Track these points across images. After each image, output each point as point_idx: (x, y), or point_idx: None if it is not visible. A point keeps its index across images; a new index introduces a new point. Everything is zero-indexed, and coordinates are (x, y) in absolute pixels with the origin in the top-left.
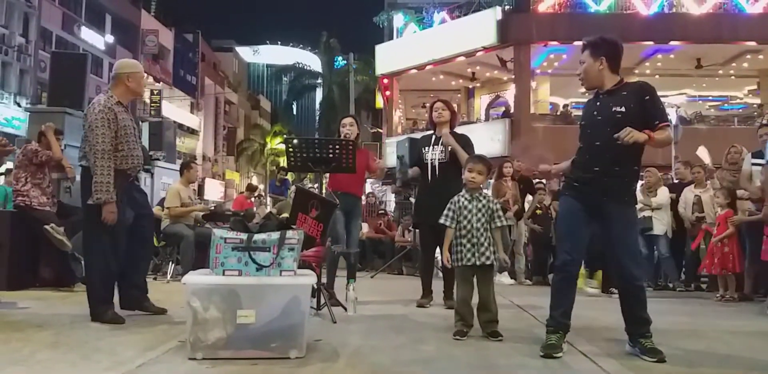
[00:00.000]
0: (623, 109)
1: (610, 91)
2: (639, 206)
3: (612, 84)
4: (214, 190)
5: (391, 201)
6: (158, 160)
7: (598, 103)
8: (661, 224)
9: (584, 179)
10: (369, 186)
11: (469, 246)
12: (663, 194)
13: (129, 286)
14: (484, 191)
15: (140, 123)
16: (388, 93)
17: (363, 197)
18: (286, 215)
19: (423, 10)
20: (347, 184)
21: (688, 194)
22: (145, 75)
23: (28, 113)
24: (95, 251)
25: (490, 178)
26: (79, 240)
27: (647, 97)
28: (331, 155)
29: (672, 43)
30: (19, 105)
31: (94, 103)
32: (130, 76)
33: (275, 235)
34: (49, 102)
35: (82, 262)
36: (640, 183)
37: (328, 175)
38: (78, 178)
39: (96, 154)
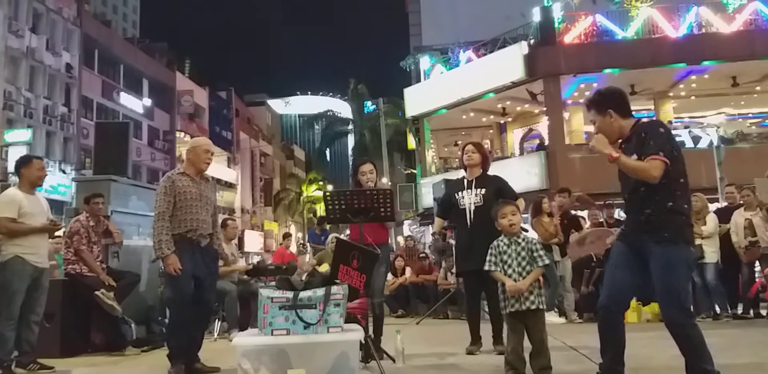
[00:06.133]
0: (635, 157)
1: (626, 139)
2: None
3: (629, 129)
4: (253, 242)
5: (429, 243)
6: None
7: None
8: (712, 252)
9: (626, 224)
10: (407, 228)
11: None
12: (712, 221)
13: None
14: (524, 233)
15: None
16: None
17: (401, 240)
18: (326, 265)
19: (449, 50)
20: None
21: (738, 218)
22: (208, 150)
23: (75, 182)
24: (171, 314)
25: (525, 213)
26: (128, 304)
27: (643, 134)
28: (369, 205)
29: (705, 63)
30: (64, 172)
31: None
32: (190, 150)
33: (320, 291)
34: (95, 171)
35: (133, 326)
36: None
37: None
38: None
39: (155, 216)
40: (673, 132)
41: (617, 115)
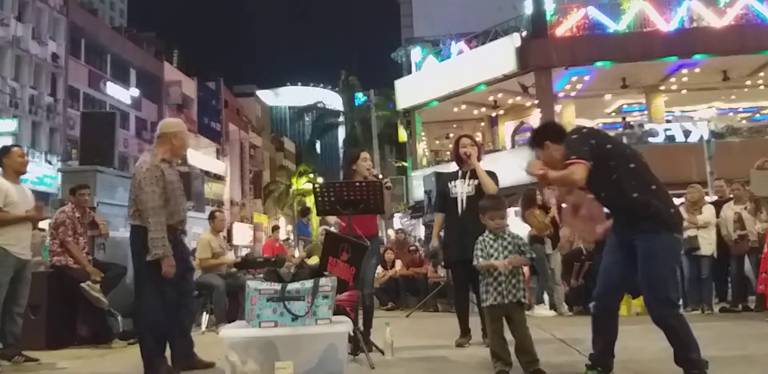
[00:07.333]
0: None
1: None
2: (684, 224)
3: None
4: (243, 234)
5: (419, 236)
6: (188, 210)
7: None
8: (708, 243)
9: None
10: (398, 221)
11: (495, 284)
12: (708, 211)
13: (180, 341)
14: (508, 229)
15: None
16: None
17: (392, 233)
18: (316, 258)
19: (440, 42)
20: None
21: (728, 211)
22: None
23: (60, 173)
24: (147, 307)
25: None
26: (115, 297)
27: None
28: (359, 197)
29: (696, 57)
30: (50, 163)
31: (141, 163)
32: (176, 134)
33: (309, 284)
34: (81, 161)
35: (119, 318)
36: (679, 201)
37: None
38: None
39: (148, 211)
40: (664, 126)
41: (554, 145)
